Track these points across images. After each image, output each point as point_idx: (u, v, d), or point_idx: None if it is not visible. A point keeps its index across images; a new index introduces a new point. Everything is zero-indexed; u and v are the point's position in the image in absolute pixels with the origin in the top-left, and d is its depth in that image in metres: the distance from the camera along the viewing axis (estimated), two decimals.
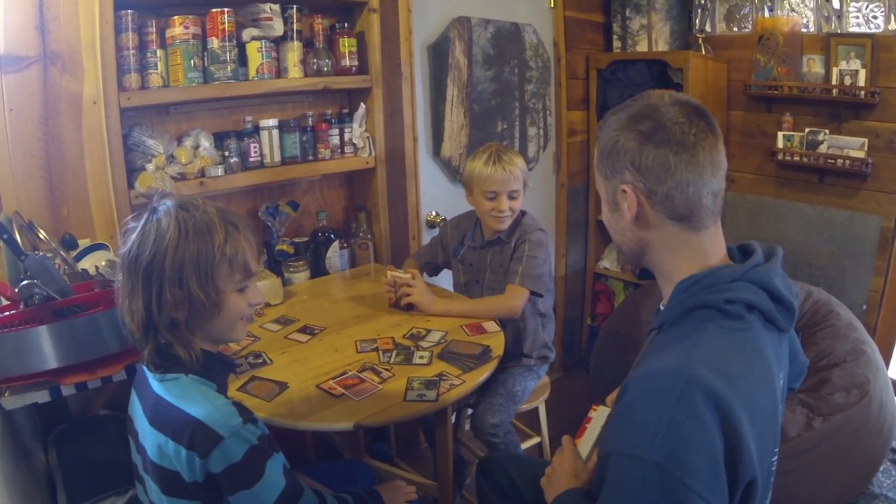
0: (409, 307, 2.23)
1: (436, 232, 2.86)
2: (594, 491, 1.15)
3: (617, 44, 3.60)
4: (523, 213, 2.34)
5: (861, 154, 2.92)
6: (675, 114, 1.09)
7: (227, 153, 2.29)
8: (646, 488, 0.93)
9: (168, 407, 1.21)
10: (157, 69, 2.09)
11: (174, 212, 1.22)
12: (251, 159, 2.34)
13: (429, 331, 2.06)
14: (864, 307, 3.04)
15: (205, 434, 1.16)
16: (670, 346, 1.07)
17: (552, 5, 3.37)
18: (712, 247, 1.15)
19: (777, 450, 1.11)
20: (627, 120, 1.12)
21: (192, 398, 1.22)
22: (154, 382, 1.26)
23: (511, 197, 2.22)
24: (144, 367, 1.29)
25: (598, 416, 1.37)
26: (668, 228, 1.13)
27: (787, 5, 3.13)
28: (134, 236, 1.22)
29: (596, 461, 1.27)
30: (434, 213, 3.01)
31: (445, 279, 2.58)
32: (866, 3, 2.89)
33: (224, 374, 1.36)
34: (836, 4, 2.96)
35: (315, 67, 2.43)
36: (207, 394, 1.24)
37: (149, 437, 1.24)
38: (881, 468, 2.60)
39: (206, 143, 2.23)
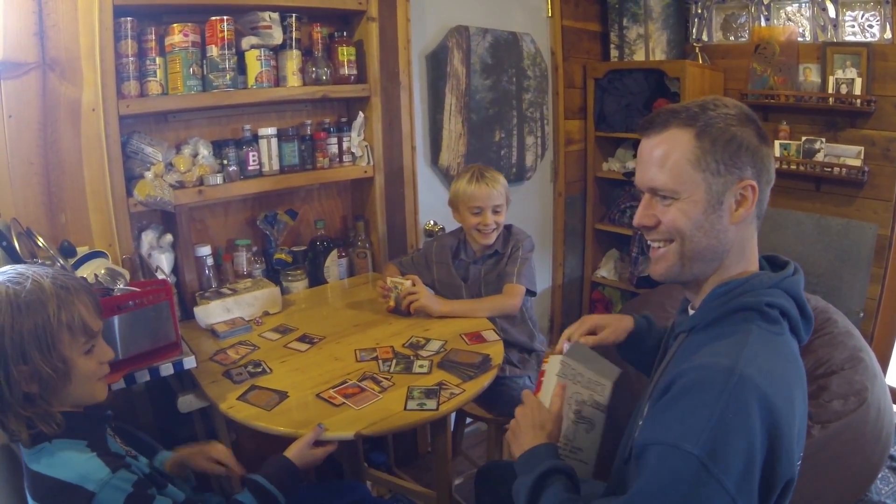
0: (409, 313, 2.23)
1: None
2: (623, 478, 1.19)
3: (614, 53, 3.61)
4: (510, 227, 2.43)
5: (857, 162, 2.94)
6: (753, 113, 1.15)
7: (225, 161, 2.28)
8: (679, 478, 0.95)
9: (40, 478, 1.20)
10: (156, 77, 2.09)
11: (3, 288, 1.20)
12: (250, 168, 2.33)
13: (428, 340, 2.05)
14: (862, 315, 3.05)
15: (77, 495, 1.16)
16: (712, 343, 1.08)
17: (550, 14, 3.38)
18: (756, 249, 1.19)
19: (802, 454, 1.12)
20: (738, 117, 1.12)
21: (58, 463, 1.20)
22: (25, 456, 1.24)
23: (495, 212, 2.31)
24: (20, 445, 1.26)
25: (551, 366, 1.41)
26: (752, 228, 1.16)
27: (783, 15, 3.15)
28: None
29: (563, 413, 1.31)
30: (432, 223, 3.00)
31: None
32: (862, 13, 2.91)
33: (96, 427, 1.32)
34: (832, 13, 2.98)
35: (314, 76, 2.43)
36: (72, 454, 1.23)
37: None
38: (879, 475, 2.60)
39: (204, 152, 2.22)
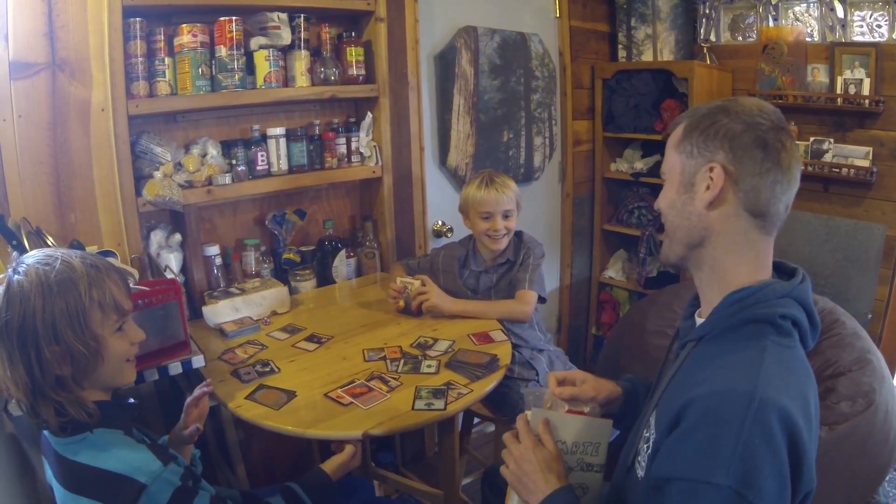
0: (419, 313, 2.24)
1: (442, 241, 2.87)
2: (625, 487, 1.19)
3: (622, 53, 3.61)
4: (520, 234, 2.41)
5: (866, 163, 2.93)
6: (774, 116, 1.12)
7: (234, 161, 2.29)
8: None
9: (82, 469, 1.19)
10: (165, 77, 2.10)
11: (33, 269, 1.21)
12: (258, 168, 2.34)
13: (436, 340, 2.06)
14: (870, 316, 3.03)
15: (128, 486, 1.16)
16: (723, 358, 1.07)
17: (558, 15, 3.38)
18: (767, 257, 1.16)
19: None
20: (733, 109, 1.12)
21: (105, 453, 1.20)
22: (60, 447, 1.23)
23: (505, 216, 2.29)
24: (46, 435, 1.26)
25: (534, 417, 1.30)
26: (741, 222, 1.12)
27: (791, 15, 3.14)
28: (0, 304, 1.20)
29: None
30: (440, 223, 3.01)
31: None
32: (870, 12, 2.90)
33: (125, 416, 1.33)
34: (840, 13, 2.97)
35: (322, 76, 2.43)
36: (119, 443, 1.23)
37: None
38: (887, 478, 2.59)
39: (213, 152, 2.23)
